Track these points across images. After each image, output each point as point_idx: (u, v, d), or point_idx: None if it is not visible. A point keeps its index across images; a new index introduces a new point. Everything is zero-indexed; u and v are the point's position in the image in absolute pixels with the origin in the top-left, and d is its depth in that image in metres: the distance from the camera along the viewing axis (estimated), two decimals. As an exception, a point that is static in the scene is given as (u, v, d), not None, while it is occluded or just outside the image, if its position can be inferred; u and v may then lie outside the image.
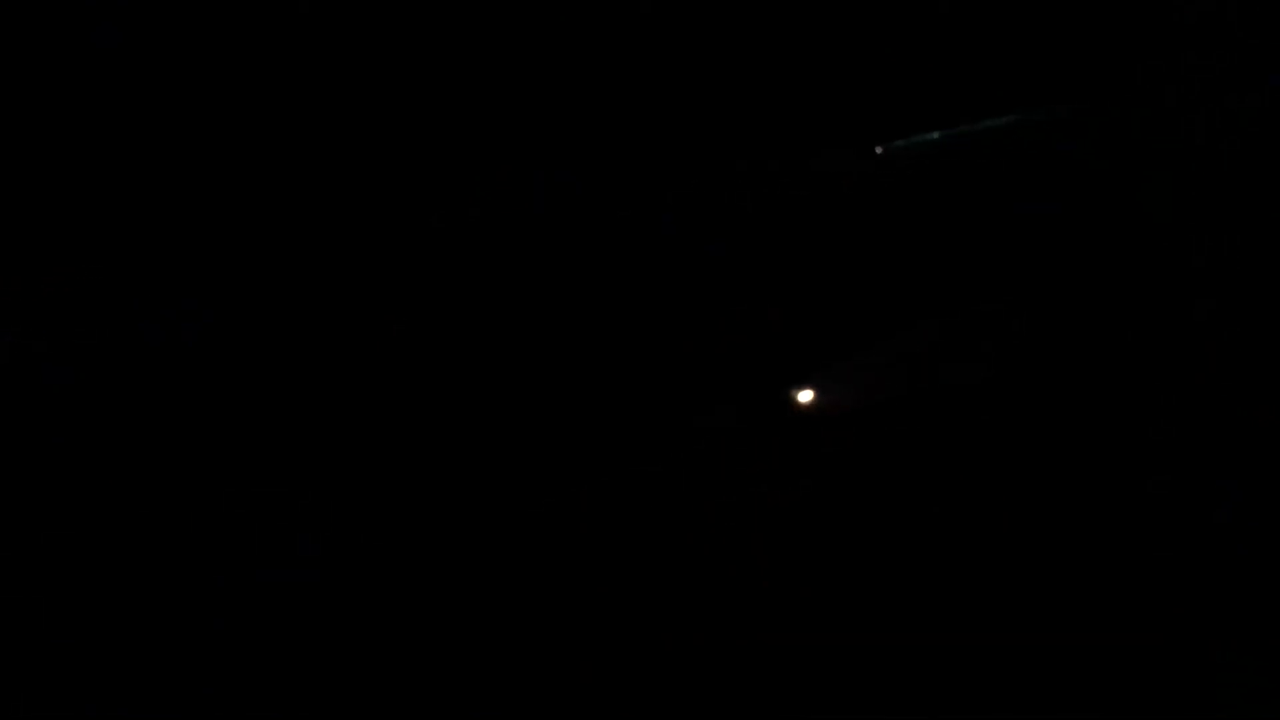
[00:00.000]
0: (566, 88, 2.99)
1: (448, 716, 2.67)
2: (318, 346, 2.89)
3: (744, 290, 2.95)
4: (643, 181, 2.98)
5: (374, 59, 2.97)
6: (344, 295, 2.91)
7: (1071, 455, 2.83)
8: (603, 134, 3.00)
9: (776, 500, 2.81)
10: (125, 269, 2.88)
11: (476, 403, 2.88)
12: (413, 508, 2.80)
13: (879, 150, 2.97)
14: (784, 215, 2.99)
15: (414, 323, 2.91)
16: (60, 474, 2.76)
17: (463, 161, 2.98)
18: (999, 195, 2.99)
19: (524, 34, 2.99)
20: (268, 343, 2.88)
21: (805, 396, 2.64)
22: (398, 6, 2.97)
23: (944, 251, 2.98)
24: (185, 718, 2.63)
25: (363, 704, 2.66)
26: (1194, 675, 2.62)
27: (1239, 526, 2.74)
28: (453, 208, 2.96)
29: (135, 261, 2.89)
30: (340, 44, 2.96)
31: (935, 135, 3.00)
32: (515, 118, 2.99)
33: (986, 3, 3.02)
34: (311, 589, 2.72)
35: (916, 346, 2.80)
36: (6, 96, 2.89)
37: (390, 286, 2.93)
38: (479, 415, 2.87)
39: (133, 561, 2.72)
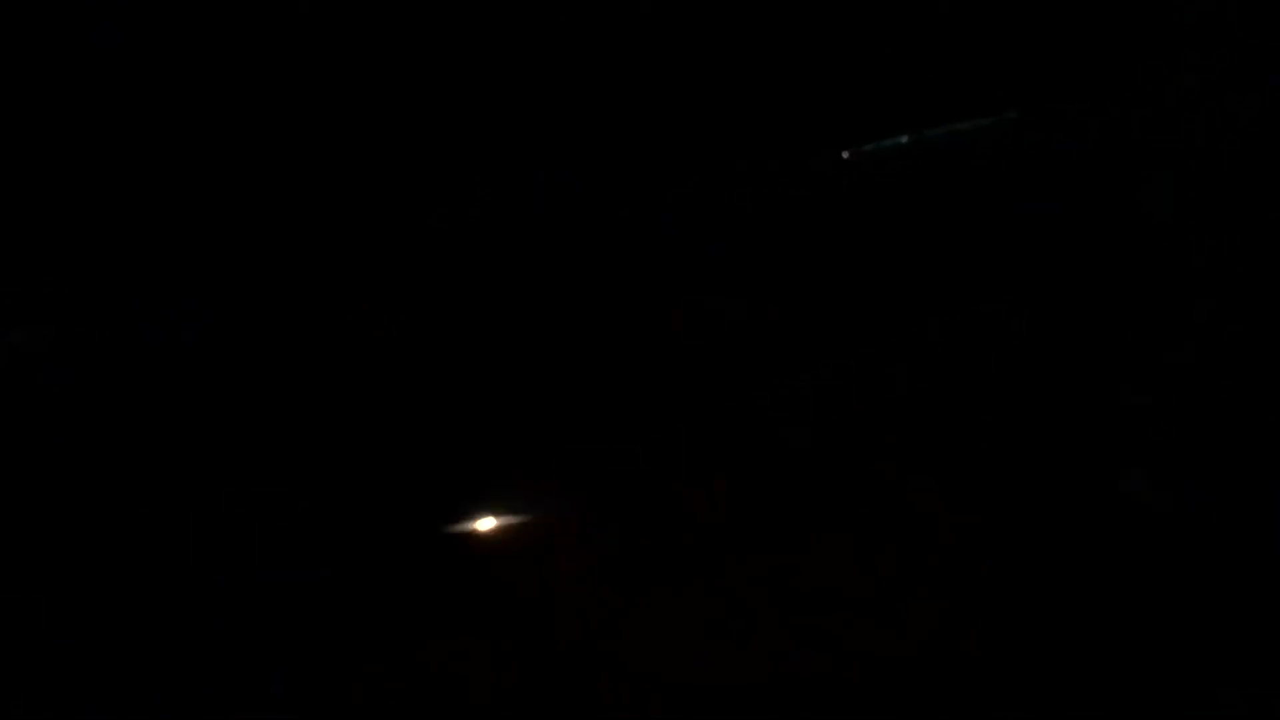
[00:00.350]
0: (566, 87, 2.99)
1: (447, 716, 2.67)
2: (318, 347, 2.89)
3: (744, 290, 2.95)
4: (643, 181, 2.98)
5: (374, 59, 2.97)
6: (344, 295, 2.91)
7: (1070, 454, 2.82)
8: (603, 134, 3.00)
9: (774, 501, 2.82)
10: (125, 269, 2.88)
11: (476, 402, 2.88)
12: (412, 507, 2.80)
13: (845, 155, 2.98)
14: (784, 215, 2.99)
15: (414, 323, 2.91)
16: (60, 474, 2.76)
17: (463, 161, 2.98)
18: (998, 195, 2.99)
19: (524, 34, 2.98)
20: (268, 343, 2.88)
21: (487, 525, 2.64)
22: (397, 6, 2.97)
23: (944, 251, 2.98)
24: (185, 717, 2.63)
25: (361, 704, 2.66)
26: (1195, 675, 2.62)
27: (1239, 527, 2.74)
28: (453, 208, 2.96)
29: (135, 261, 2.89)
30: (340, 44, 2.96)
31: (926, 135, 3.00)
32: (515, 118, 2.99)
33: (988, 2, 3.02)
34: (311, 589, 2.72)
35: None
36: (7, 96, 2.89)
37: (390, 286, 2.93)
38: (478, 414, 2.87)
39: (133, 561, 2.72)
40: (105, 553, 2.72)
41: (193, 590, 2.72)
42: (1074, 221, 2.96)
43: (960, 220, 2.99)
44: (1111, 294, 2.92)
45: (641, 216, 2.97)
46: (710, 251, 2.96)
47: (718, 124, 3.01)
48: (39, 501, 2.74)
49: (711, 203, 2.98)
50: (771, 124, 3.02)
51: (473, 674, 2.70)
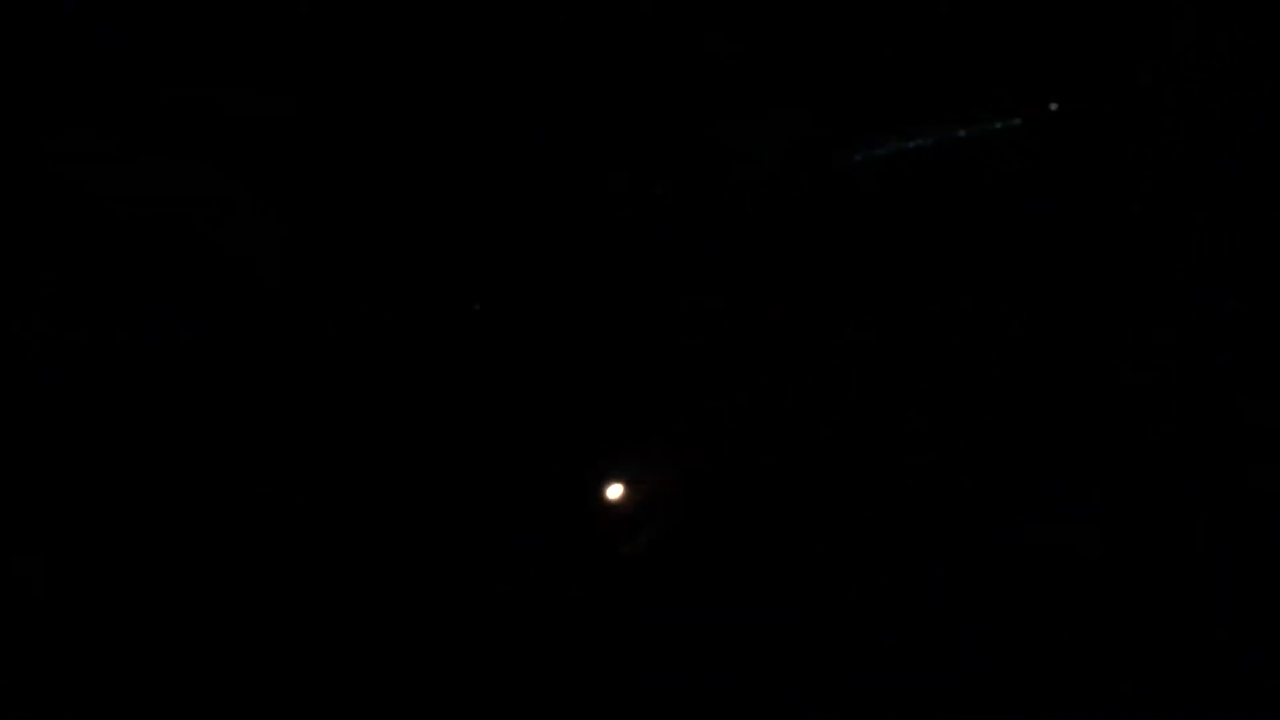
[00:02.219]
0: (567, 87, 2.99)
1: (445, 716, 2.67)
2: (317, 346, 2.89)
3: (744, 290, 2.95)
4: (643, 181, 2.98)
5: (374, 59, 2.97)
6: (343, 295, 2.92)
7: (1070, 454, 2.83)
8: (603, 135, 3.00)
9: (773, 507, 2.82)
10: (125, 269, 2.89)
11: (475, 401, 2.88)
12: (411, 508, 2.80)
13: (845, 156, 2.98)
14: (784, 215, 2.99)
15: (413, 322, 2.91)
16: (60, 474, 2.76)
17: (463, 161, 2.98)
18: (999, 195, 3.00)
19: (524, 34, 2.99)
20: (268, 343, 2.88)
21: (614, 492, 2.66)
22: (398, 6, 2.97)
23: (944, 252, 2.98)
24: (185, 717, 2.63)
25: (360, 704, 2.67)
26: (1194, 675, 2.62)
27: (1239, 526, 2.75)
28: (453, 208, 2.97)
29: (135, 261, 2.89)
30: (340, 44, 2.96)
31: (927, 136, 3.00)
32: (515, 119, 2.99)
33: (992, 5, 3.02)
34: (310, 588, 2.72)
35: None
36: (7, 96, 2.89)
37: (390, 286, 2.93)
38: (478, 414, 2.87)
39: (132, 561, 2.72)
40: (105, 552, 2.73)
41: (193, 590, 2.72)
42: (1073, 222, 2.97)
43: (960, 221, 3.00)
44: (1111, 295, 2.92)
45: (641, 216, 2.97)
46: (710, 251, 2.96)
47: (718, 124, 3.01)
48: (39, 501, 2.74)
49: (711, 203, 2.98)
50: (771, 124, 3.03)
51: (469, 674, 2.70)
